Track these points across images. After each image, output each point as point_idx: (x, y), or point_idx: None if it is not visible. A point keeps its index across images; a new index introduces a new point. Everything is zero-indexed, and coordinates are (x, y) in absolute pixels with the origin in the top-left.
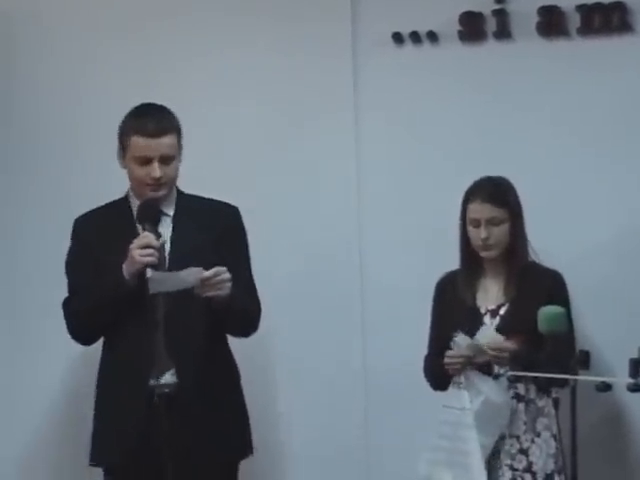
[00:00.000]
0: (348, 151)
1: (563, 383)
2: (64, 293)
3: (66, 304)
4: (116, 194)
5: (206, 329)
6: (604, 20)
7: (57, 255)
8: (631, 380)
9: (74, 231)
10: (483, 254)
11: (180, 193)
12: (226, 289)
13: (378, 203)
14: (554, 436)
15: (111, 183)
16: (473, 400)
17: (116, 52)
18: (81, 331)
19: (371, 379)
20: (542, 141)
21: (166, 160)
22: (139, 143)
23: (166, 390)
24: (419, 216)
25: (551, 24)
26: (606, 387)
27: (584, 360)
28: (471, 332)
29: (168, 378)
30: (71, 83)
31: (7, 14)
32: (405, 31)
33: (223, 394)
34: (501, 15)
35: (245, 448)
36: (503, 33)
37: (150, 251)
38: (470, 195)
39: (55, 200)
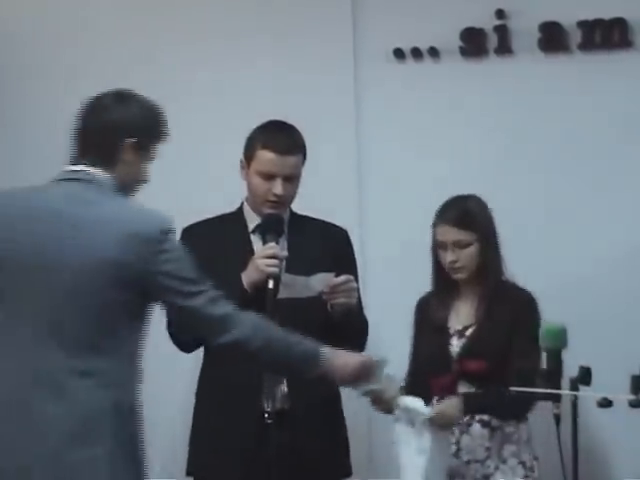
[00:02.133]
0: (350, 166)
1: (521, 417)
2: None
3: None
4: None
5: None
6: (605, 36)
7: None
8: (633, 396)
9: (183, 239)
10: (453, 276)
11: (292, 213)
12: (353, 298)
13: (379, 217)
14: (522, 463)
15: None
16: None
17: (117, 61)
18: (189, 338)
19: None
20: (543, 156)
21: (290, 179)
22: (266, 158)
23: (280, 404)
24: (420, 232)
25: (552, 40)
26: (608, 403)
27: (585, 376)
28: (440, 352)
29: (282, 390)
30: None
31: None
32: (406, 47)
33: (329, 414)
34: (502, 31)
35: (348, 469)
36: (504, 49)
37: (275, 262)
38: (437, 218)
39: None
